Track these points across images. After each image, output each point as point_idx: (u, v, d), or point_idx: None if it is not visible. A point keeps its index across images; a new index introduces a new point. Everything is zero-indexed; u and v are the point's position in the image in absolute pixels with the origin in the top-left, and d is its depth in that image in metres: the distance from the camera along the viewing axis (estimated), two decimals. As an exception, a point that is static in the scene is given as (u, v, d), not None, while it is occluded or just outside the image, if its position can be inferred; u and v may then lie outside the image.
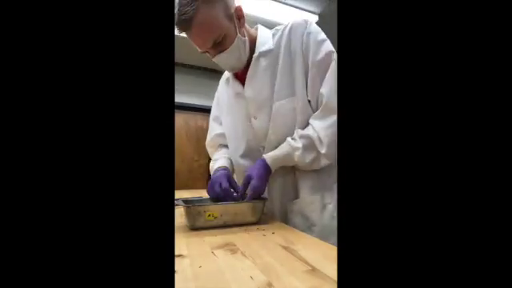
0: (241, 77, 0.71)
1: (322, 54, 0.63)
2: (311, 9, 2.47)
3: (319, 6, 2.43)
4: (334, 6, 2.34)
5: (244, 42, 0.64)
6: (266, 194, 0.72)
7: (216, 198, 0.65)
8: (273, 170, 0.66)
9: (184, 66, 3.24)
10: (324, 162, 0.64)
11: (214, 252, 0.42)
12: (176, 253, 0.41)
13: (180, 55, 2.86)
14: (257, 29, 0.71)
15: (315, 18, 2.51)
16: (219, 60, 0.63)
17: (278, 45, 0.67)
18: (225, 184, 0.64)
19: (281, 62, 0.65)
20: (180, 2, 0.53)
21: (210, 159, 0.86)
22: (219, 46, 0.60)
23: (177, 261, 0.38)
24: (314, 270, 0.34)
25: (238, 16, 0.62)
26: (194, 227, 0.56)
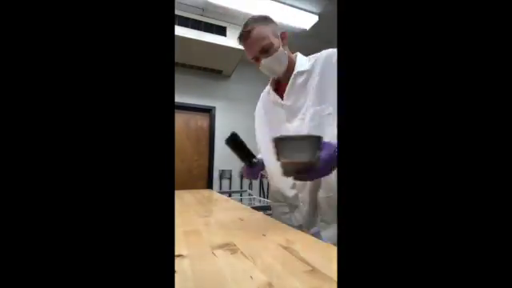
0: (280, 91, 0.88)
1: None
2: (311, 9, 2.47)
3: (319, 6, 2.43)
4: (334, 7, 2.34)
5: (285, 54, 0.81)
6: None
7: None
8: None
9: (184, 66, 3.24)
10: None
11: (214, 252, 0.42)
12: (176, 253, 0.41)
13: (180, 55, 2.87)
14: (296, 55, 0.88)
15: (315, 18, 2.51)
16: (264, 64, 0.79)
17: (312, 67, 0.82)
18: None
19: (316, 80, 0.80)
20: (246, 21, 0.78)
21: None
22: (266, 52, 0.77)
23: (177, 261, 0.38)
24: (313, 270, 0.34)
25: (283, 38, 0.81)
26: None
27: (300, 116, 0.80)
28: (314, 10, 2.48)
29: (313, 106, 0.77)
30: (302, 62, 0.84)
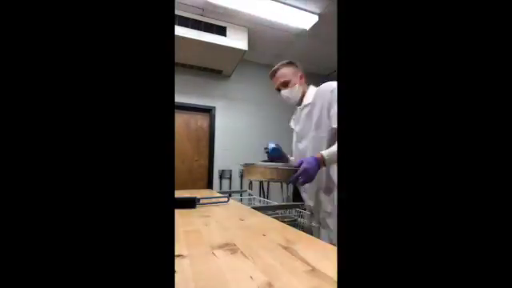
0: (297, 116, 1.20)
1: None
2: (311, 9, 2.47)
3: (319, 6, 2.43)
4: (334, 7, 2.34)
5: (299, 89, 1.11)
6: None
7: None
8: (327, 164, 0.92)
9: (184, 66, 3.24)
10: None
11: (214, 252, 0.42)
12: (176, 253, 0.41)
13: (180, 55, 2.86)
14: (308, 87, 1.14)
15: (315, 18, 2.51)
16: (282, 94, 1.10)
17: (314, 100, 1.07)
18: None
19: (315, 110, 1.04)
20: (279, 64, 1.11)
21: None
22: (286, 85, 1.09)
23: (177, 261, 0.38)
24: (313, 270, 0.34)
25: (301, 77, 1.12)
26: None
27: (306, 138, 1.09)
28: (314, 10, 2.48)
29: (312, 131, 1.05)
30: (309, 95, 1.11)
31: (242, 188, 3.61)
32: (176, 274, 0.33)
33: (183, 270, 0.35)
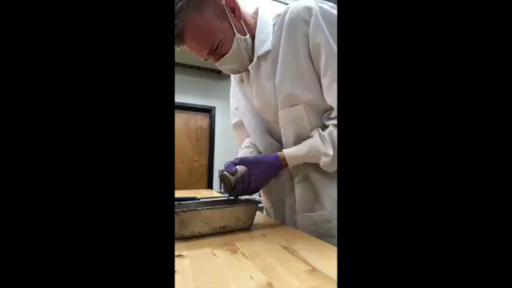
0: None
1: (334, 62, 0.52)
2: (311, 9, 2.47)
3: (319, 6, 2.43)
4: (334, 6, 2.33)
5: (245, 40, 0.57)
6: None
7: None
8: (289, 166, 0.60)
9: (184, 66, 3.24)
10: None
11: (214, 252, 0.42)
12: (176, 253, 0.41)
13: (180, 55, 2.86)
14: (256, 15, 0.61)
15: (315, 18, 2.50)
16: (221, 66, 0.60)
17: (277, 40, 0.57)
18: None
19: (279, 65, 0.56)
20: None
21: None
22: (218, 52, 0.56)
23: (177, 261, 0.38)
24: (313, 270, 0.34)
25: (232, 9, 0.55)
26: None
27: (270, 122, 0.63)
28: (314, 10, 2.48)
29: (281, 109, 0.58)
30: (264, 35, 0.58)
31: (241, 188, 3.60)
32: (176, 274, 0.33)
33: (183, 270, 0.35)
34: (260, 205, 0.61)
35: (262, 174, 0.58)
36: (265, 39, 0.59)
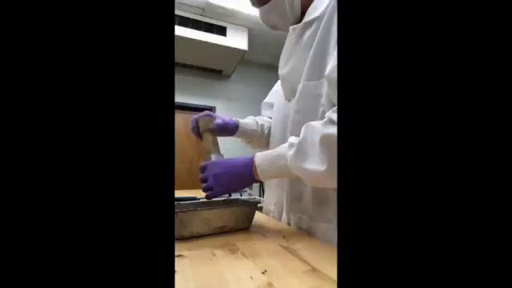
0: None
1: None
2: (311, 9, 2.47)
3: (319, 6, 2.43)
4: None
5: None
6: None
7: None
8: (260, 177, 0.53)
9: (184, 66, 3.24)
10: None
11: (214, 252, 0.42)
12: (176, 253, 0.41)
13: (180, 55, 2.86)
14: None
15: (315, 18, 2.50)
16: (261, 15, 0.58)
17: (323, 14, 0.53)
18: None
19: (319, 32, 0.52)
20: None
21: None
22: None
23: (177, 261, 0.38)
24: (313, 270, 0.34)
25: None
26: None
27: (293, 96, 0.56)
28: (314, 10, 2.48)
29: (305, 80, 0.54)
30: (318, 3, 0.55)
31: (241, 188, 3.60)
32: (176, 274, 0.33)
33: (183, 269, 0.35)
34: (259, 205, 0.61)
35: (227, 183, 0.54)
36: (317, 7, 0.56)
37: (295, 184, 0.61)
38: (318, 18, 0.54)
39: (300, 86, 0.55)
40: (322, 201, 0.56)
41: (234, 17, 2.55)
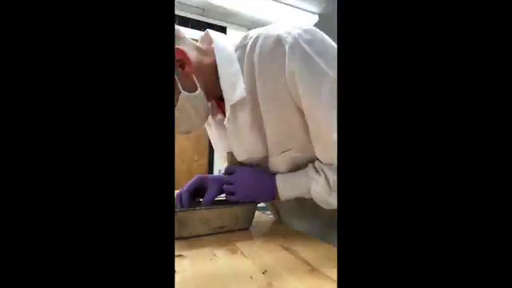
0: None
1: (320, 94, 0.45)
2: (311, 9, 2.47)
3: (319, 6, 2.43)
4: (334, 6, 2.34)
5: (195, 96, 0.49)
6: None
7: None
8: (281, 198, 0.54)
9: (184, 66, 3.24)
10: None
11: (214, 252, 0.42)
12: (176, 253, 0.41)
13: (180, 55, 2.86)
14: (212, 51, 0.52)
15: (315, 18, 2.51)
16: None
17: (251, 82, 0.49)
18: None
19: (264, 111, 0.50)
20: None
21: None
22: None
23: (177, 261, 0.38)
24: (313, 270, 0.34)
25: (181, 64, 0.48)
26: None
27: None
28: (314, 10, 2.48)
29: (272, 156, 0.53)
30: (230, 77, 0.50)
31: (241, 188, 3.60)
32: (176, 274, 0.33)
33: (183, 269, 0.35)
34: (259, 205, 0.61)
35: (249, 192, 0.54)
36: (233, 82, 0.50)
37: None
38: (245, 98, 0.49)
39: (271, 161, 0.55)
40: None
41: (234, 17, 2.55)
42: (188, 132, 0.57)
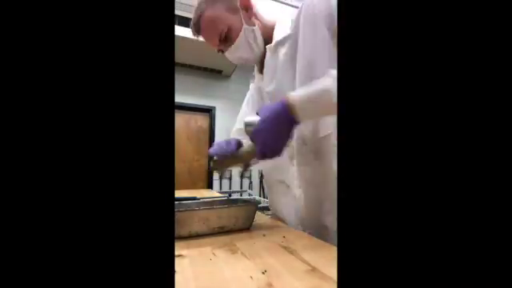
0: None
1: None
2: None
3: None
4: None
5: (253, 30, 0.61)
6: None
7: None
8: (300, 119, 0.46)
9: (184, 66, 3.24)
10: None
11: (214, 252, 0.42)
12: (176, 253, 0.41)
13: (180, 55, 2.86)
14: (275, 20, 0.64)
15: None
16: (229, 55, 0.63)
17: (296, 24, 0.56)
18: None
19: (303, 45, 0.54)
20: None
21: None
22: (226, 41, 0.61)
23: (177, 261, 0.38)
24: (313, 270, 0.34)
25: (245, 7, 0.61)
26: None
27: None
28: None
29: (300, 86, 0.55)
30: (285, 22, 0.60)
31: (241, 188, 3.62)
32: (176, 274, 0.33)
33: (183, 269, 0.35)
34: (260, 205, 0.60)
35: (268, 135, 0.48)
36: (283, 29, 0.61)
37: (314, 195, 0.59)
38: (290, 35, 0.58)
39: None
40: None
41: (233, 17, 2.54)
42: (246, 62, 0.64)
